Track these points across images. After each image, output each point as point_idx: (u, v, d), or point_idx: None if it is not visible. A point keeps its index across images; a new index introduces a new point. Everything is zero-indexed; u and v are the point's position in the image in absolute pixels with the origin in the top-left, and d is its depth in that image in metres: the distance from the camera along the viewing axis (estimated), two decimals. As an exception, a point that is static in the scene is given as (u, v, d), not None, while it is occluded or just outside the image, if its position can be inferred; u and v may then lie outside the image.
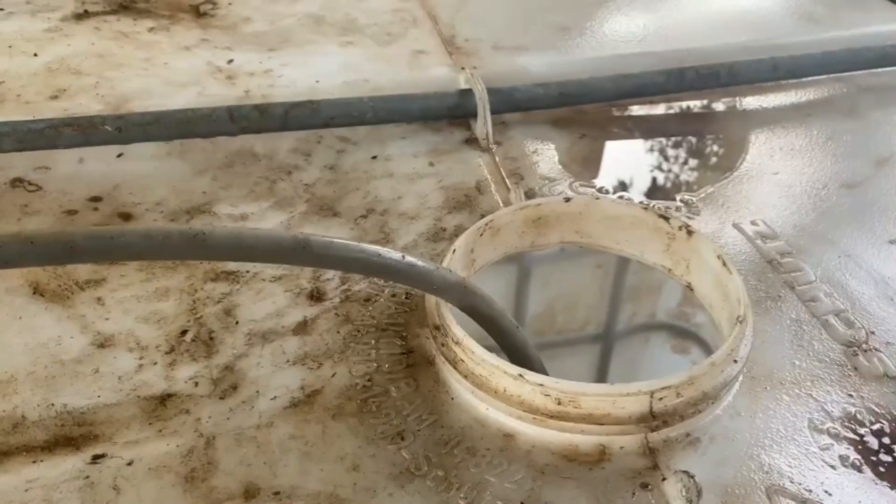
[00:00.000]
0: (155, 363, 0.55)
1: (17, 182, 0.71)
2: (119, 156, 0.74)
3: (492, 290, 0.76)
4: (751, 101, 0.87)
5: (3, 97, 0.78)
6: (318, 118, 0.75)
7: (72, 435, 0.50)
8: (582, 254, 0.70)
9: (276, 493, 0.47)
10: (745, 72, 0.85)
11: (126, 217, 0.68)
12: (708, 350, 0.82)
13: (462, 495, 0.47)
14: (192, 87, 0.81)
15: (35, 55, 0.85)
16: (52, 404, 0.52)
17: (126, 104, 0.78)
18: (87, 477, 0.47)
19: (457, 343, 0.51)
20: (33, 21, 0.92)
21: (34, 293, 0.60)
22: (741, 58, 0.86)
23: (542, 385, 0.48)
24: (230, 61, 0.77)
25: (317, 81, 0.82)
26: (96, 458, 0.49)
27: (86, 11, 0.94)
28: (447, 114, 0.79)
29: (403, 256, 0.49)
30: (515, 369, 0.49)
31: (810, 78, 0.89)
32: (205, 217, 0.68)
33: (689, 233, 0.60)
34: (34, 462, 0.48)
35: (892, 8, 1.01)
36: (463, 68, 0.82)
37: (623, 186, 0.74)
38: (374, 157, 0.76)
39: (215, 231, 0.44)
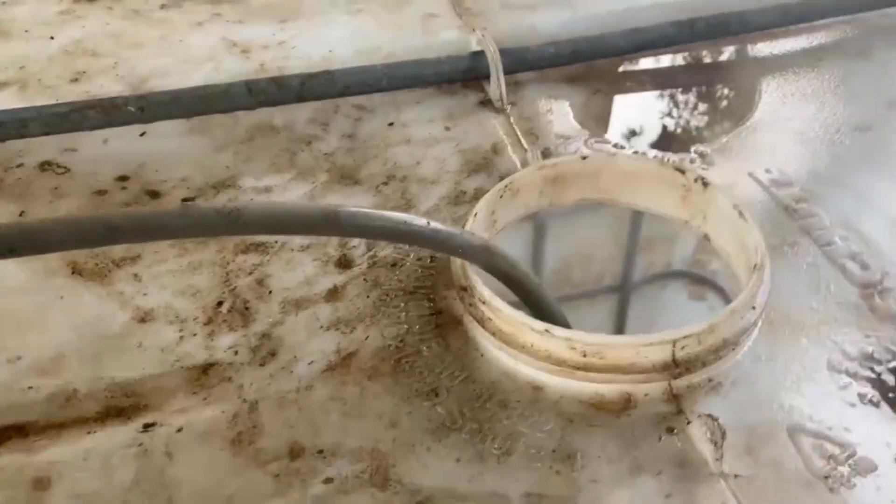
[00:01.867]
0: (195, 334, 0.57)
1: (45, 165, 0.73)
2: (142, 135, 0.75)
3: (510, 248, 0.78)
4: (762, 48, 0.87)
5: (25, 82, 0.80)
6: (334, 88, 0.76)
7: (122, 406, 0.53)
8: (596, 207, 0.71)
9: (320, 452, 0.49)
10: (755, 19, 0.85)
11: (154, 195, 0.70)
12: (724, 296, 0.83)
13: (496, 446, 0.49)
14: (207, 63, 0.82)
15: (52, 38, 0.86)
16: (101, 378, 0.54)
17: (145, 83, 0.79)
18: (141, 444, 0.50)
19: (484, 302, 0.53)
20: (45, 4, 0.93)
21: (73, 273, 0.62)
22: (751, 5, 0.86)
23: (568, 339, 0.50)
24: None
25: (330, 51, 0.83)
26: (147, 427, 0.51)
27: (96, -9, 0.94)
28: (460, 77, 0.80)
29: (428, 223, 0.51)
30: (542, 325, 0.51)
31: (821, 21, 0.88)
32: (230, 191, 0.70)
33: (705, 185, 0.61)
34: (89, 433, 0.51)
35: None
36: (474, 30, 0.83)
37: (638, 141, 0.75)
38: (391, 124, 0.77)
39: (248, 207, 0.46)
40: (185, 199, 0.69)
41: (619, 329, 0.95)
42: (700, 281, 0.91)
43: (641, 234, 0.89)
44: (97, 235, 0.44)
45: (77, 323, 0.58)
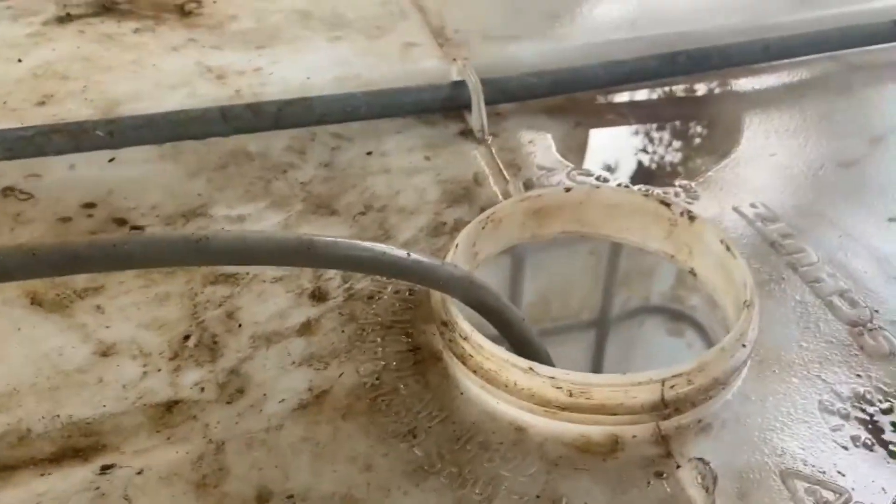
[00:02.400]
0: (159, 370, 0.54)
1: (8, 191, 0.70)
2: (111, 160, 0.73)
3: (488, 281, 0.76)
4: (744, 83, 0.87)
5: (-11, 105, 0.77)
6: (312, 115, 0.75)
7: (79, 446, 0.49)
8: (575, 241, 0.69)
9: (290, 497, 0.46)
10: (736, 54, 0.85)
11: (121, 222, 0.67)
12: (703, 332, 0.82)
13: (477, 491, 0.46)
14: (181, 88, 0.80)
15: (19, 61, 0.84)
16: (58, 415, 0.51)
17: (116, 108, 0.77)
18: (98, 488, 0.47)
19: (465, 338, 0.51)
20: (14, 26, 0.90)
21: (32, 303, 0.59)
22: (733, 39, 0.86)
23: (553, 377, 0.48)
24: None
25: (308, 78, 0.81)
26: (105, 469, 0.48)
27: (68, 14, 0.92)
28: (441, 106, 0.79)
29: (409, 254, 0.49)
30: (526, 362, 0.49)
31: (802, 58, 0.89)
32: (201, 220, 0.68)
33: (692, 218, 0.60)
34: (42, 475, 0.48)
35: (880, -16, 1.01)
36: (455, 60, 0.82)
37: (621, 174, 0.74)
38: (370, 153, 0.75)
39: (219, 235, 0.44)
40: (133, 228, 0.66)
41: (597, 365, 0.94)
42: (678, 317, 0.90)
43: (622, 268, 0.87)
44: (56, 264, 0.41)
45: (34, 357, 0.55)
